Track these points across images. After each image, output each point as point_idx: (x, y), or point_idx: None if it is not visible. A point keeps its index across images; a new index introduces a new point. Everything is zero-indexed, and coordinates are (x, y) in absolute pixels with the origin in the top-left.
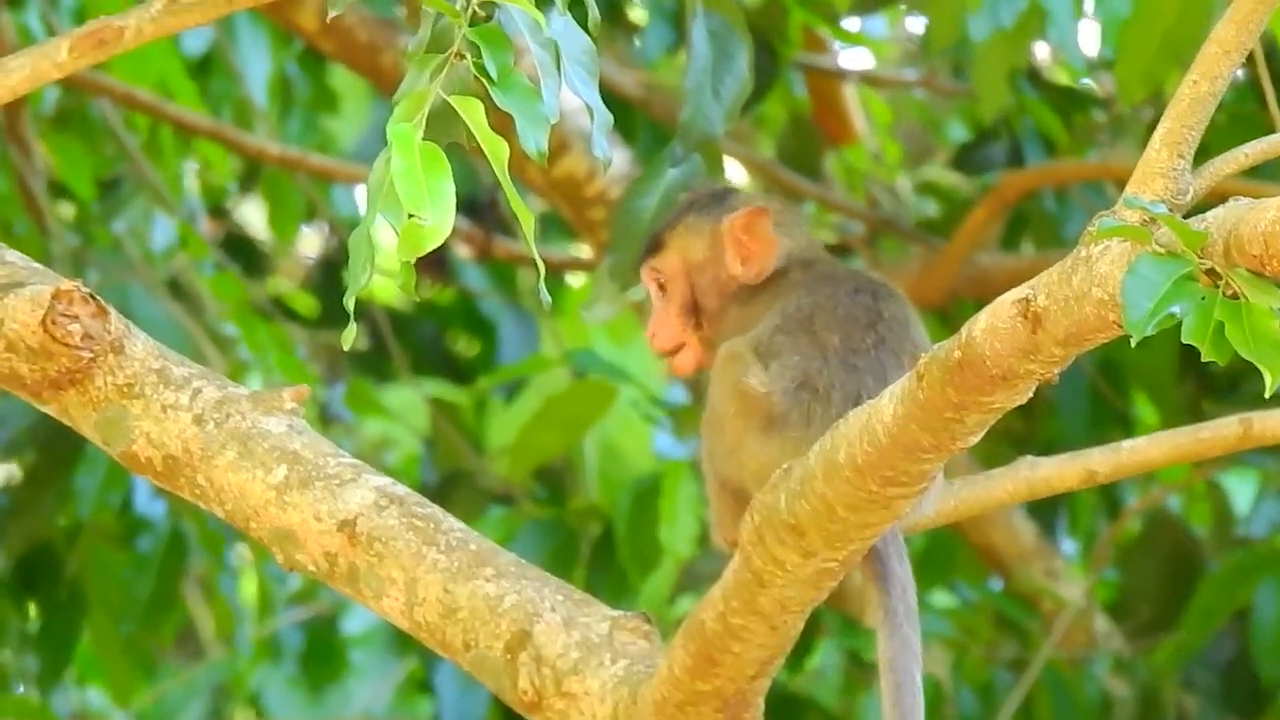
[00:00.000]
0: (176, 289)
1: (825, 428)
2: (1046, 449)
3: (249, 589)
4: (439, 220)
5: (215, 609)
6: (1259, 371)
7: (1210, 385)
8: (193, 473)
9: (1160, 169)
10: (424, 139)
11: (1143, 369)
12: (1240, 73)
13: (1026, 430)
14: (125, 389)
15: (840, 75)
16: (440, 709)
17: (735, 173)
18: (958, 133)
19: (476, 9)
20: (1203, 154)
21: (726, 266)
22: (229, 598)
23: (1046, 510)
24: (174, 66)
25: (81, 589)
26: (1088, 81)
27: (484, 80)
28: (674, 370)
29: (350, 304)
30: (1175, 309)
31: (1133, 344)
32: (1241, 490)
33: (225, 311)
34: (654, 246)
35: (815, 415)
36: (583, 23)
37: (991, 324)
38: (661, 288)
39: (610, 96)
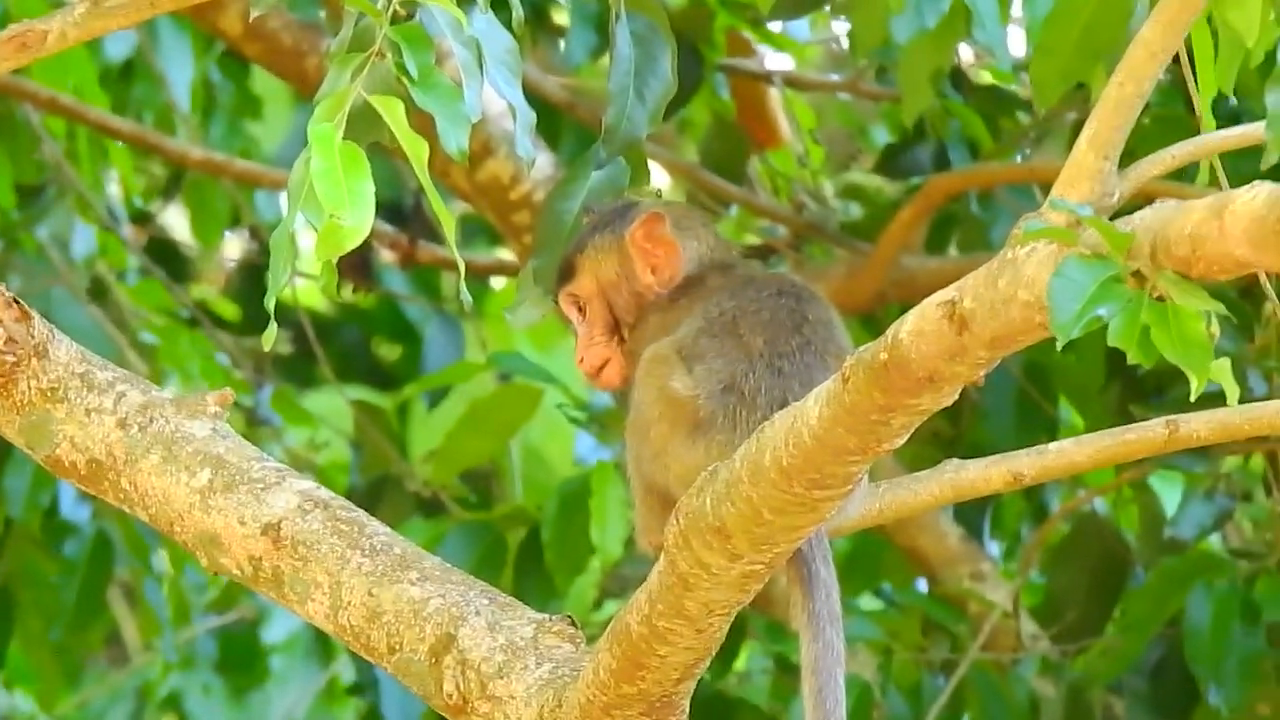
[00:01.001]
0: (99, 296)
1: (751, 431)
2: (973, 453)
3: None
4: (358, 220)
5: (141, 614)
6: (1185, 375)
7: (1137, 389)
8: (116, 477)
9: (1086, 171)
10: (345, 139)
11: (1069, 372)
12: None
13: (954, 434)
14: (49, 393)
15: (765, 78)
16: (382, 707)
17: (659, 176)
18: (882, 137)
19: (398, 8)
20: (1129, 157)
21: (639, 278)
22: (154, 603)
23: (973, 514)
24: (89, 76)
25: (11, 593)
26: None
27: (405, 80)
28: (601, 386)
29: (271, 304)
30: (1102, 311)
31: (1059, 346)
32: (1170, 494)
33: (146, 321)
34: (566, 273)
35: (741, 419)
36: (506, 23)
37: (918, 326)
38: (581, 311)
39: (534, 100)
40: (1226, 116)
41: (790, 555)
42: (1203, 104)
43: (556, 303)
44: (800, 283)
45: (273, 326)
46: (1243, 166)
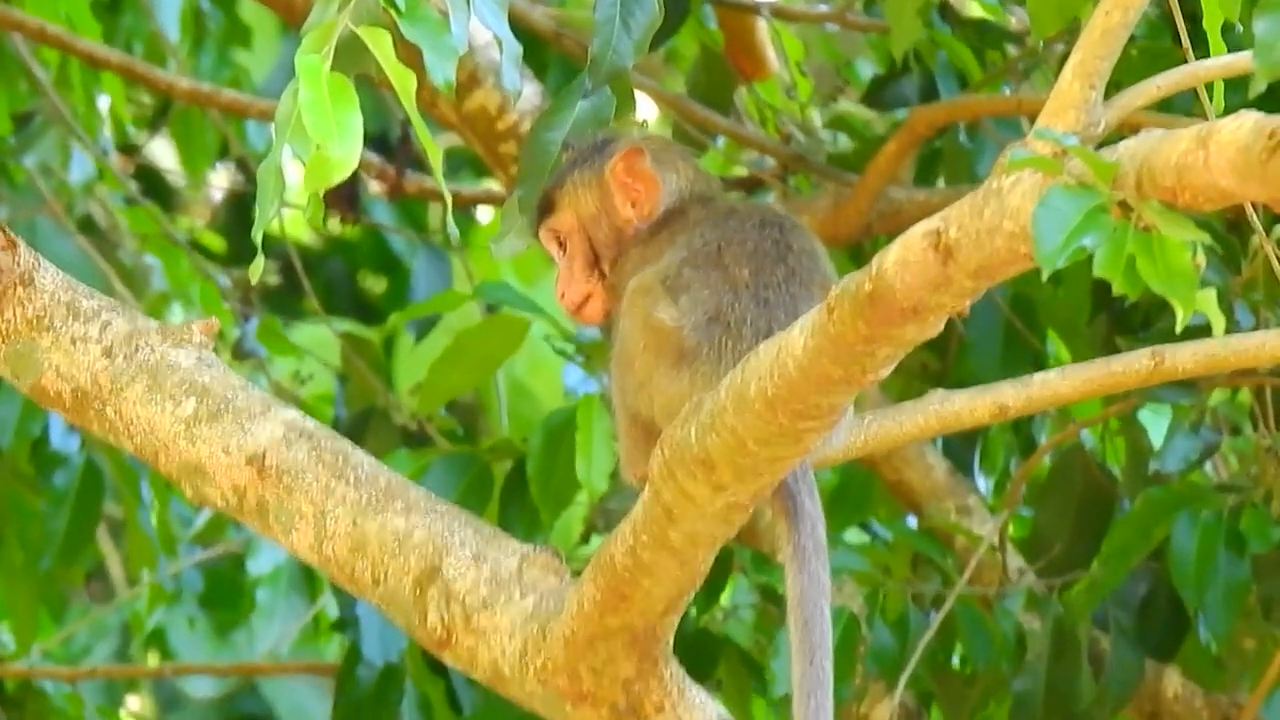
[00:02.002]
0: (89, 225)
1: (736, 362)
2: (960, 385)
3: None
4: (346, 152)
5: (132, 544)
6: (1171, 306)
7: (1123, 321)
8: (102, 406)
9: (1072, 101)
10: (332, 71)
11: (1055, 305)
12: (1152, 6)
13: (940, 367)
14: (34, 322)
15: (753, 9)
16: (361, 641)
17: (646, 107)
18: (868, 70)
19: None
20: (1114, 89)
21: (619, 212)
22: (147, 531)
23: (962, 448)
24: (80, 5)
25: None
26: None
27: (392, 11)
28: (583, 321)
29: (258, 237)
30: (1087, 241)
31: (1044, 277)
32: (1158, 427)
33: (144, 243)
34: (546, 208)
35: (727, 349)
36: None
37: (902, 256)
38: (561, 246)
39: (520, 31)
40: (1233, 45)
41: (776, 489)
42: (1211, 31)
43: (537, 238)
44: (783, 213)
45: (259, 258)
46: (1230, 98)
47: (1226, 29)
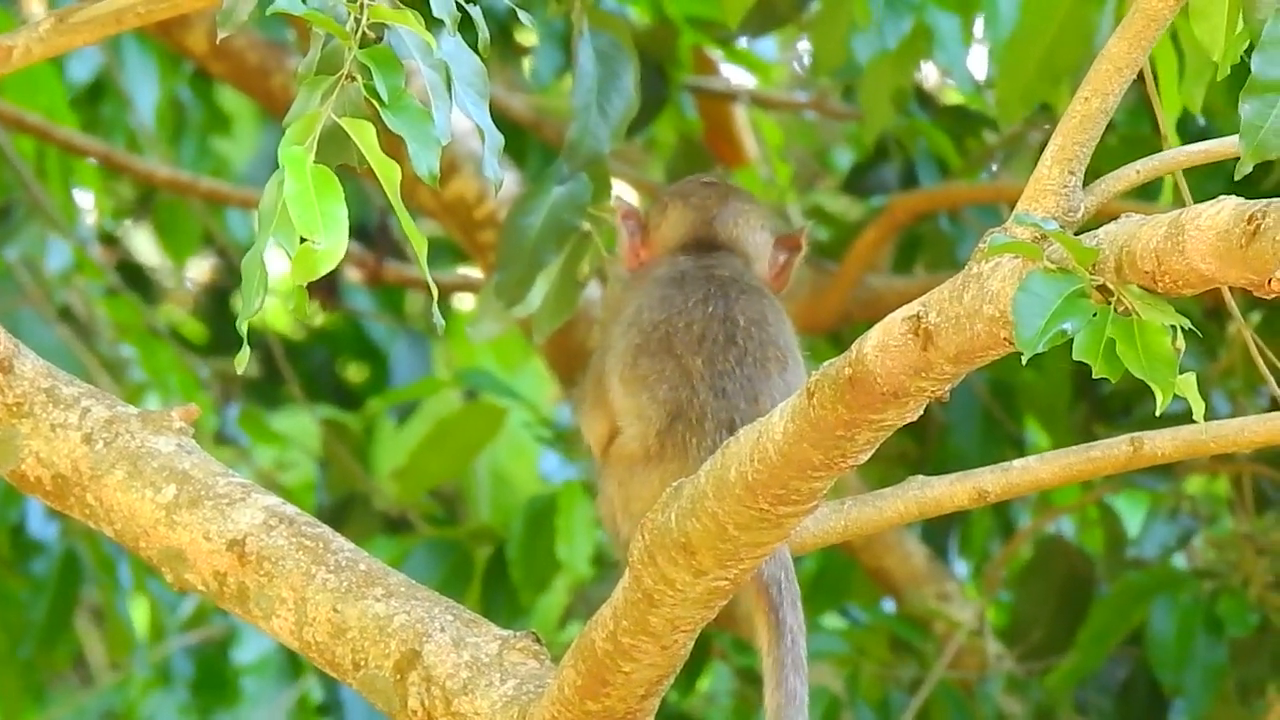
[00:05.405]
0: (69, 315)
1: (703, 457)
2: (939, 471)
3: (139, 615)
4: (332, 244)
5: (110, 631)
6: (1150, 393)
7: (1101, 408)
8: (82, 492)
9: (1051, 186)
10: (316, 162)
11: (1034, 391)
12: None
13: (919, 453)
14: (14, 408)
15: (731, 97)
16: None
17: (625, 194)
18: (845, 159)
19: (367, 30)
20: (1093, 177)
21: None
22: (125, 619)
23: (939, 533)
24: (58, 96)
25: None
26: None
27: (375, 102)
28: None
29: (244, 328)
30: (1067, 326)
31: (1024, 361)
32: (1134, 515)
33: (121, 334)
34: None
35: (692, 445)
36: (473, 44)
37: (882, 341)
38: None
39: (500, 119)
40: (1195, 136)
41: (760, 598)
42: (1168, 122)
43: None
44: (727, 275)
45: (245, 350)
46: (1208, 185)
47: (1188, 118)
